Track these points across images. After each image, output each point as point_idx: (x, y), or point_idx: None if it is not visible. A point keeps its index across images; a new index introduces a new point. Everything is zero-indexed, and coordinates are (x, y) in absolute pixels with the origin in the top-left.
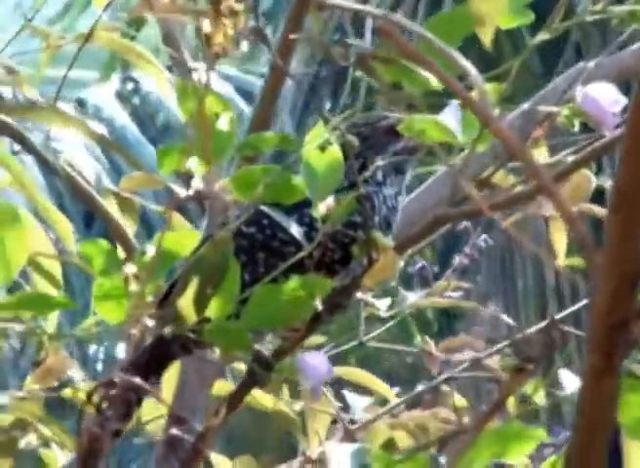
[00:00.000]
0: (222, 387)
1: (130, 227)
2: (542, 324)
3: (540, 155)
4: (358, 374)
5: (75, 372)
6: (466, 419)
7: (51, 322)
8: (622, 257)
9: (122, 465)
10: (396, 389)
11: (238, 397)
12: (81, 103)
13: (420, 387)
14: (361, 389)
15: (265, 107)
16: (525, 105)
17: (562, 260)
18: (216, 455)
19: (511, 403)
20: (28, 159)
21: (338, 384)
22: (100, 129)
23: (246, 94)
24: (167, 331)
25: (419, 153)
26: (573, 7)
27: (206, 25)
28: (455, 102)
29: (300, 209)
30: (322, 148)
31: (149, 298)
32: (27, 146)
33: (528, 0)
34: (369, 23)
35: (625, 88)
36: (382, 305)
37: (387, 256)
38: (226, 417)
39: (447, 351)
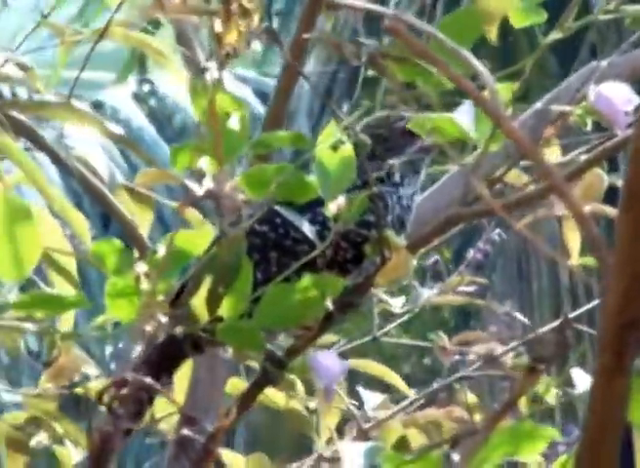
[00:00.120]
0: (236, 385)
1: (146, 221)
2: (556, 323)
3: (553, 154)
4: (372, 366)
5: (90, 370)
6: (479, 417)
7: (65, 320)
8: (633, 257)
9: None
10: (414, 391)
11: (250, 396)
12: (98, 105)
13: (434, 385)
14: (375, 384)
15: (278, 107)
16: (538, 104)
17: (575, 260)
18: (227, 453)
19: (523, 402)
20: (46, 159)
21: (352, 379)
22: (118, 129)
23: (264, 96)
24: (179, 329)
25: (432, 152)
26: (590, 7)
27: (217, 25)
28: (469, 101)
29: (312, 208)
30: (334, 147)
31: (160, 297)
32: (40, 144)
33: None
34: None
35: (638, 87)
36: (397, 303)
37: (400, 256)
38: (238, 417)
39: (461, 345)
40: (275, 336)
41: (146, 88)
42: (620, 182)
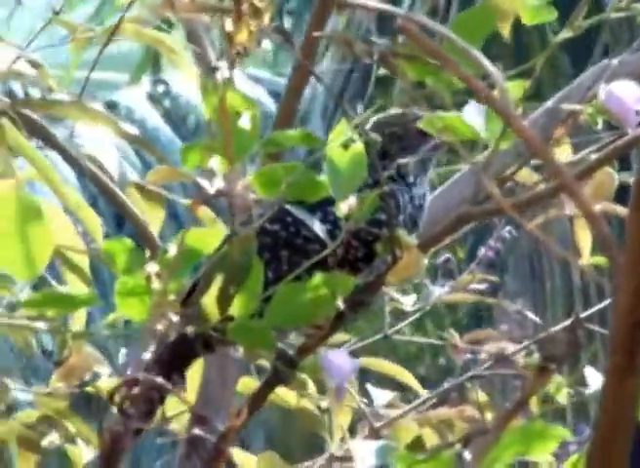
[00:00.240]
0: (247, 384)
1: (157, 219)
2: (567, 322)
3: (564, 153)
4: (384, 365)
5: (102, 369)
6: (490, 417)
7: (78, 319)
8: None
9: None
10: (427, 391)
11: (261, 396)
12: (113, 105)
13: (446, 384)
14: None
15: (289, 106)
16: (548, 103)
17: (586, 259)
18: (239, 452)
19: (534, 401)
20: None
21: (363, 378)
22: (132, 129)
23: (278, 96)
24: (190, 329)
25: (441, 151)
26: (602, 6)
27: (228, 24)
28: (474, 101)
29: (323, 206)
30: (345, 146)
31: (171, 297)
32: (52, 142)
33: None
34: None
35: None
36: (408, 301)
37: (411, 254)
38: (249, 417)
39: (472, 344)
40: (286, 335)
41: (160, 89)
42: (631, 181)
